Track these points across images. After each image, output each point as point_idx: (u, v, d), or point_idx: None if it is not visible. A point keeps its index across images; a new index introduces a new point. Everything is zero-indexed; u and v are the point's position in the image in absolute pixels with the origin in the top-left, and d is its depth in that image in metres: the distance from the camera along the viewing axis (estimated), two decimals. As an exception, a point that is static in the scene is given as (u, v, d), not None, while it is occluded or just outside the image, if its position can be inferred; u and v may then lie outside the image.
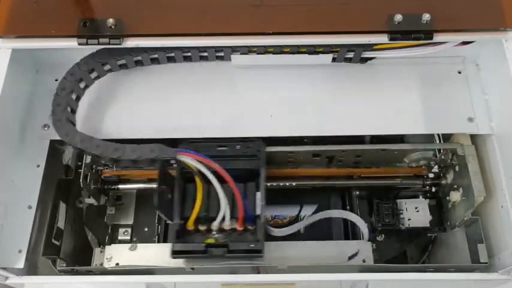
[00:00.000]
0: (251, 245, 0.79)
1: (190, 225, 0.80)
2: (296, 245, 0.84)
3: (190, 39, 0.81)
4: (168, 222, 0.82)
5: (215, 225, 0.79)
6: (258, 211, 0.80)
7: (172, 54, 0.86)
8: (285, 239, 0.85)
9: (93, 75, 0.86)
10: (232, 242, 0.79)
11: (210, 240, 0.80)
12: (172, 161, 0.79)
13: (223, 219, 0.79)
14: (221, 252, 0.79)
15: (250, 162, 0.83)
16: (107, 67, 0.86)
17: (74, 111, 0.84)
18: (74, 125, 0.82)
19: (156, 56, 0.86)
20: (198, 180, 0.79)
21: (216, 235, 0.80)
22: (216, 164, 0.77)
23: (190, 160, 0.76)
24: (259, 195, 0.81)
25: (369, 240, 0.85)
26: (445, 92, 0.89)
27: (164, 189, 0.79)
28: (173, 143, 0.82)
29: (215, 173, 0.77)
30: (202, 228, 0.80)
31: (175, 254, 0.79)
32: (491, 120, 0.86)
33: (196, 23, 0.81)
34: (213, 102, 0.88)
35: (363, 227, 0.87)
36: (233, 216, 0.79)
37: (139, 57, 0.86)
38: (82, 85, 0.85)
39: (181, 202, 0.80)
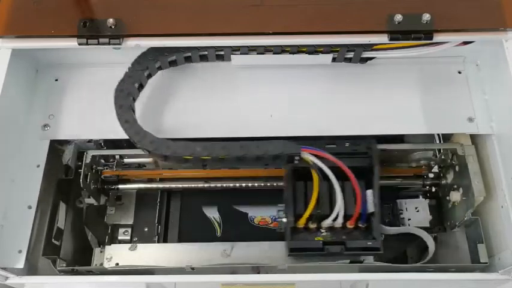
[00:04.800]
0: (368, 243, 0.78)
1: (302, 223, 0.79)
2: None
3: (190, 39, 0.81)
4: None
5: (327, 223, 0.79)
6: (372, 208, 0.79)
7: (174, 58, 0.86)
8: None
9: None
10: (349, 240, 0.79)
11: (320, 238, 0.79)
12: (296, 157, 0.78)
13: (337, 217, 0.78)
14: (338, 249, 0.78)
15: (361, 159, 0.82)
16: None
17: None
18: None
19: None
20: (315, 176, 0.78)
21: (325, 233, 0.80)
22: (340, 161, 0.77)
23: (312, 157, 0.76)
24: (370, 193, 0.80)
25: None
26: (445, 92, 0.89)
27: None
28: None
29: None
30: (312, 226, 0.80)
31: (291, 251, 0.79)
32: (491, 120, 0.86)
33: (196, 23, 0.81)
34: (212, 102, 0.88)
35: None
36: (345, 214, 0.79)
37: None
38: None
39: (294, 200, 0.80)
